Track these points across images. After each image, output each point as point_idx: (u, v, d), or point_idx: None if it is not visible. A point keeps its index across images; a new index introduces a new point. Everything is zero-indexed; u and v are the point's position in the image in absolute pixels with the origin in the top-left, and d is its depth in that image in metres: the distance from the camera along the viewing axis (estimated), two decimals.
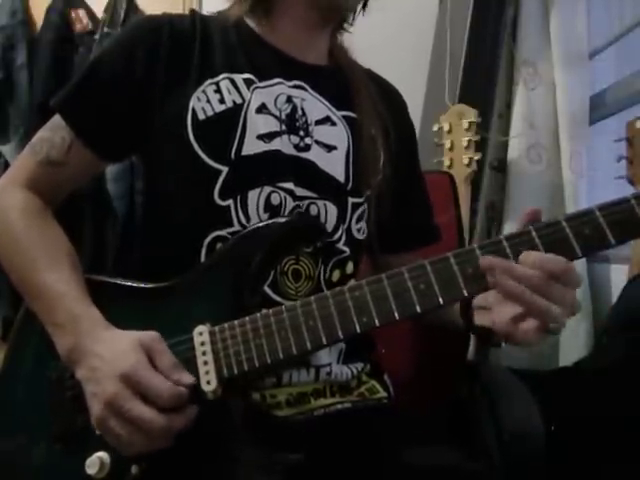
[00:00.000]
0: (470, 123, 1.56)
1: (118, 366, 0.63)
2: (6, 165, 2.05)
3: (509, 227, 1.65)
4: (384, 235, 0.93)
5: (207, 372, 0.66)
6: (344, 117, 0.86)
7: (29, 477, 0.71)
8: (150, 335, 0.67)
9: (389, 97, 0.96)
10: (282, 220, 0.76)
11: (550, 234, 0.62)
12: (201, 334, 0.68)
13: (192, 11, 0.89)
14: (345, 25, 0.94)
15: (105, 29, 2.04)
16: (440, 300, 0.63)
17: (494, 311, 0.66)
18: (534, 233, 0.62)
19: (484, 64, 1.75)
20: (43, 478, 0.71)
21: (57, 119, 0.82)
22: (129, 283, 0.77)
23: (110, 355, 0.65)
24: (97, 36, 2.04)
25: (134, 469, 0.65)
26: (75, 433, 0.69)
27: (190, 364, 0.67)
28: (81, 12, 2.08)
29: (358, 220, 0.86)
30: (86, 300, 0.72)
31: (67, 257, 0.77)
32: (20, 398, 0.76)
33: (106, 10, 2.08)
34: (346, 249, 0.84)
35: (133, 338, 0.66)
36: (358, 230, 0.86)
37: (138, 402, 0.62)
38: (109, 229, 2.01)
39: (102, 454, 0.66)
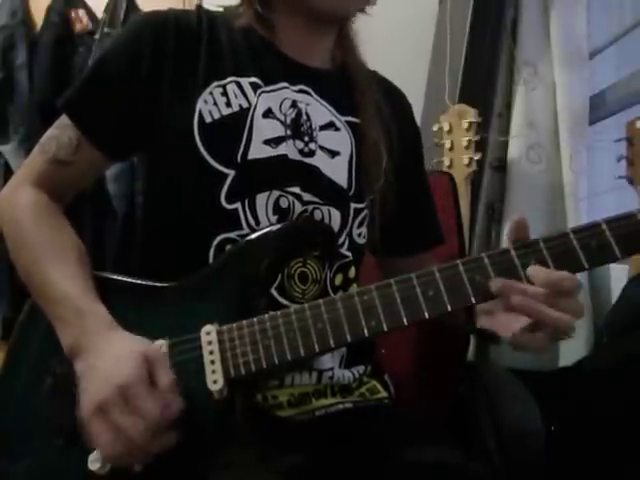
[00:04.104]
0: (470, 123, 1.56)
1: (117, 374, 0.63)
2: (6, 165, 2.05)
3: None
4: (390, 239, 0.93)
5: (214, 371, 0.66)
6: (347, 122, 0.86)
7: (31, 472, 0.71)
8: (155, 349, 0.67)
9: (394, 100, 0.95)
10: (291, 223, 0.76)
11: (558, 246, 0.63)
12: (209, 333, 0.68)
13: (198, 7, 0.88)
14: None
15: (105, 29, 2.04)
16: (448, 307, 0.64)
17: (498, 318, 0.66)
18: (542, 244, 0.63)
19: (484, 64, 1.75)
20: (45, 473, 0.71)
21: (64, 118, 0.82)
22: (138, 281, 0.77)
23: (112, 359, 0.65)
24: (97, 36, 2.04)
25: (137, 466, 0.65)
26: (78, 428, 0.69)
27: (197, 363, 0.67)
28: (81, 12, 2.09)
29: (359, 225, 0.86)
30: (91, 296, 0.72)
31: (74, 253, 0.77)
32: (24, 393, 0.76)
33: (106, 10, 2.08)
34: (348, 254, 0.85)
35: (138, 349, 0.65)
36: (359, 235, 0.86)
37: (126, 414, 0.62)
38: (109, 229, 2.01)
39: None
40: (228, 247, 0.77)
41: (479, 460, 0.99)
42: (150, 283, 0.76)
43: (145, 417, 0.62)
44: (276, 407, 0.77)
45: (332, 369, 0.81)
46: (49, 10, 2.08)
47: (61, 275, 0.73)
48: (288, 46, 0.85)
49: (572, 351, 1.45)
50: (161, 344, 0.69)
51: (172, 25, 0.82)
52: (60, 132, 0.82)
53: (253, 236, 0.74)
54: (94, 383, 0.65)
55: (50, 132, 0.83)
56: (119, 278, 0.79)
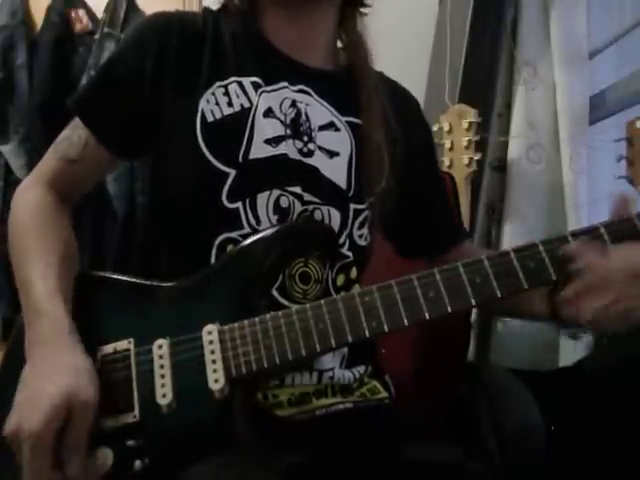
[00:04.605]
0: (470, 123, 1.56)
1: (31, 417, 0.62)
2: (6, 165, 2.05)
3: (509, 227, 1.65)
4: (412, 239, 0.94)
5: (215, 371, 0.67)
6: (348, 123, 0.86)
7: None
8: (83, 396, 0.65)
9: (400, 101, 0.95)
10: (291, 224, 0.77)
11: (556, 248, 0.66)
12: (210, 333, 0.68)
13: (205, 9, 0.89)
14: (355, 22, 0.92)
15: (105, 29, 2.04)
16: (449, 308, 0.65)
17: (578, 305, 0.67)
18: (541, 247, 0.66)
19: (484, 64, 1.75)
20: None
21: (76, 119, 0.84)
22: (139, 280, 0.77)
23: (38, 391, 0.65)
24: (97, 36, 2.04)
25: (137, 464, 0.65)
26: None
27: (198, 362, 0.68)
28: (81, 12, 2.09)
29: (360, 226, 0.86)
30: (55, 298, 0.72)
31: (57, 255, 0.77)
32: None
33: (106, 10, 2.08)
34: (349, 254, 0.85)
35: (64, 390, 0.64)
36: (360, 236, 0.86)
37: (22, 457, 0.63)
38: (109, 229, 2.01)
39: (105, 449, 0.66)
40: (229, 247, 0.77)
41: (480, 460, 0.99)
42: (152, 283, 0.77)
43: (35, 475, 0.62)
44: (276, 406, 0.77)
45: (332, 369, 0.81)
46: (49, 10, 2.08)
47: (34, 275, 0.74)
48: (287, 45, 0.85)
49: (572, 351, 1.45)
50: (161, 344, 0.69)
51: (176, 26, 0.83)
52: (72, 132, 0.84)
53: (254, 237, 0.75)
54: (18, 406, 0.65)
55: (63, 133, 0.85)
56: (121, 278, 0.79)
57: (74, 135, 0.83)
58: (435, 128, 1.63)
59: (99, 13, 2.10)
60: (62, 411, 0.63)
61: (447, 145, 1.59)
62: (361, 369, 0.86)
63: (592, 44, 1.71)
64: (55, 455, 0.63)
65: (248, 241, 0.75)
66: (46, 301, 0.72)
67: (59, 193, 0.85)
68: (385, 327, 0.66)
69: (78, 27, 2.08)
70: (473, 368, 1.35)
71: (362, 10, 0.93)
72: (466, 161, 1.56)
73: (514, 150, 1.69)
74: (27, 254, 0.77)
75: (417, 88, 1.92)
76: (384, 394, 0.88)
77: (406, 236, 0.96)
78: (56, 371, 0.66)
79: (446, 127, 1.60)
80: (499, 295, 0.65)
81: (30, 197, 0.83)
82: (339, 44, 0.93)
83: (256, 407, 0.75)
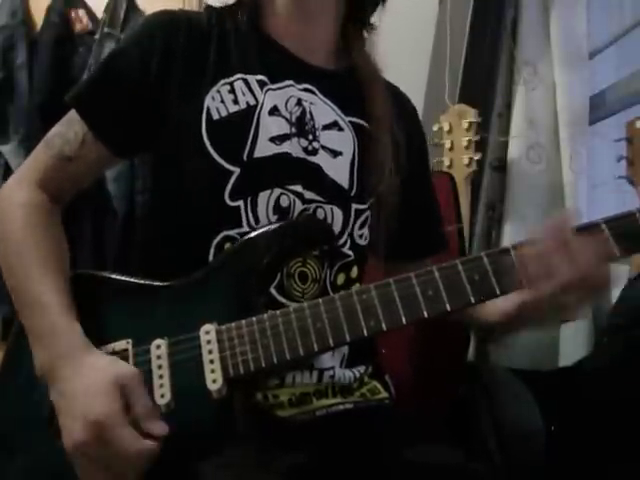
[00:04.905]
0: (470, 123, 1.56)
1: (89, 410, 0.63)
2: (6, 165, 2.05)
3: (509, 227, 1.65)
4: (396, 242, 0.93)
5: (213, 370, 0.66)
6: (352, 123, 0.86)
7: (29, 471, 0.72)
8: (129, 373, 0.66)
9: (400, 105, 0.95)
10: (291, 221, 0.77)
11: None
12: (208, 333, 0.68)
13: (208, 7, 0.89)
14: (363, 24, 0.94)
15: (105, 29, 2.05)
16: (447, 306, 0.65)
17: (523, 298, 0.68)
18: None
19: (484, 64, 1.75)
20: (44, 476, 0.71)
21: (72, 114, 0.82)
22: (137, 280, 0.77)
23: (84, 391, 0.65)
24: (97, 36, 2.05)
25: None
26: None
27: (196, 362, 0.67)
28: (81, 12, 2.09)
29: (361, 226, 0.85)
30: (70, 315, 0.72)
31: (57, 264, 0.77)
32: (19, 397, 0.76)
33: (106, 10, 2.08)
34: (350, 253, 0.84)
35: (110, 376, 0.65)
36: (360, 236, 0.86)
37: (106, 453, 0.62)
38: (109, 229, 2.01)
39: None
40: (227, 245, 0.77)
41: (480, 460, 0.99)
42: (149, 282, 0.76)
43: (126, 453, 0.62)
44: (277, 406, 0.77)
45: (333, 368, 0.81)
46: (49, 10, 2.08)
47: (42, 288, 0.73)
48: (283, 39, 0.85)
49: (572, 351, 1.45)
50: (159, 344, 0.69)
51: (184, 24, 0.82)
52: (66, 128, 0.82)
53: (252, 235, 0.75)
54: (68, 420, 0.65)
55: (55, 129, 0.83)
56: (119, 278, 0.79)
57: (69, 132, 0.81)
58: (435, 128, 1.63)
59: (99, 13, 2.10)
60: (116, 391, 0.64)
61: (447, 145, 1.59)
62: (361, 369, 0.86)
63: (592, 44, 1.71)
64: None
65: (246, 239, 0.75)
66: (60, 317, 0.71)
67: (51, 192, 0.82)
68: (383, 326, 0.65)
69: (78, 27, 2.08)
70: (473, 368, 1.35)
71: (368, 29, 0.95)
72: (466, 161, 1.56)
73: (514, 150, 1.68)
74: (25, 262, 0.75)
75: (417, 88, 1.93)
76: (384, 394, 0.88)
77: (389, 237, 0.94)
78: (93, 377, 0.66)
79: (446, 127, 1.60)
80: (498, 293, 0.65)
81: (21, 197, 0.80)
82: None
83: (256, 407, 0.75)
